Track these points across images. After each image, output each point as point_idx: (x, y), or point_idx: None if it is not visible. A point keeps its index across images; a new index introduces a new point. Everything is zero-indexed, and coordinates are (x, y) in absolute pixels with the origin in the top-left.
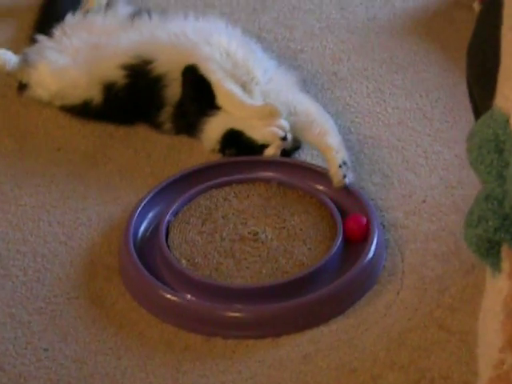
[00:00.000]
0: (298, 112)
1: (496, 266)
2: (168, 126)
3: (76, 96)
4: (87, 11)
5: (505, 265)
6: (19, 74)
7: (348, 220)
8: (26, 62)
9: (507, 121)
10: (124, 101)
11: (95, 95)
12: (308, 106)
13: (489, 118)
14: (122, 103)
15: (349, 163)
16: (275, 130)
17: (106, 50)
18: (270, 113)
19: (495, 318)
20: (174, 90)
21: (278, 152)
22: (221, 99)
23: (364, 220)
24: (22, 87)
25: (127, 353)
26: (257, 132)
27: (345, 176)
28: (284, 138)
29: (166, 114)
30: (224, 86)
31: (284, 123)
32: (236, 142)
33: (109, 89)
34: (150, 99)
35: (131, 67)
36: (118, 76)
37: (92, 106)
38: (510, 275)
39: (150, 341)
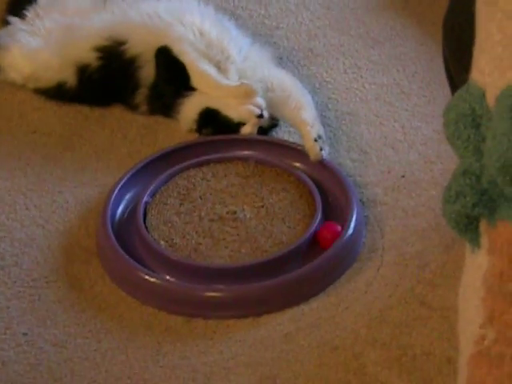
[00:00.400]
0: (275, 88)
1: (475, 241)
2: (144, 107)
3: (49, 78)
4: None
5: (483, 240)
6: None
7: (322, 229)
8: None
9: (483, 95)
10: (98, 83)
11: (69, 77)
12: (284, 81)
13: (465, 92)
14: (96, 85)
15: (324, 137)
16: (251, 107)
17: (79, 32)
18: (245, 92)
19: (475, 294)
20: (148, 72)
21: (255, 130)
22: (195, 80)
23: (338, 228)
24: None
25: (107, 335)
26: (233, 110)
27: (321, 149)
28: (260, 116)
29: (141, 96)
30: (198, 67)
31: (260, 101)
32: (212, 121)
33: (82, 71)
34: (124, 81)
35: (104, 49)
36: (91, 58)
37: (66, 88)
38: (489, 251)
39: (129, 323)
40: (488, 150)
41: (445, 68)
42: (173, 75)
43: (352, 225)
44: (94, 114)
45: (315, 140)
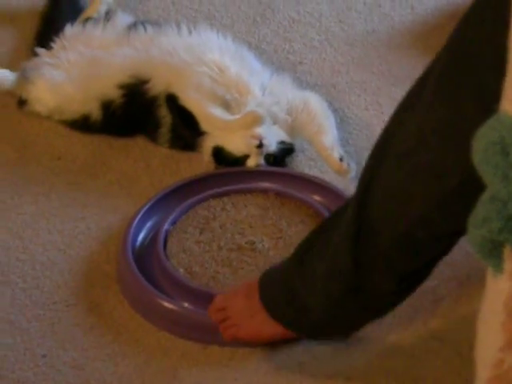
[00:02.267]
0: (300, 111)
1: (498, 266)
2: (166, 144)
3: (74, 111)
4: (86, 20)
5: (507, 266)
6: (18, 90)
7: None
8: (24, 78)
9: None
10: (122, 118)
11: (93, 111)
12: (308, 104)
13: (495, 121)
14: (120, 120)
15: (345, 156)
16: (248, 139)
17: (102, 67)
18: (253, 119)
19: (495, 319)
20: (167, 111)
21: (259, 160)
22: (204, 125)
23: None
24: (22, 103)
25: (124, 359)
26: (233, 145)
27: (348, 164)
28: (260, 146)
29: (162, 134)
30: (203, 112)
31: (258, 131)
32: (222, 158)
33: (106, 106)
34: (147, 118)
35: (128, 86)
36: (115, 95)
37: (91, 121)
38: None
39: (147, 348)
40: None
41: None
42: (186, 120)
43: None
44: (118, 142)
45: (340, 159)
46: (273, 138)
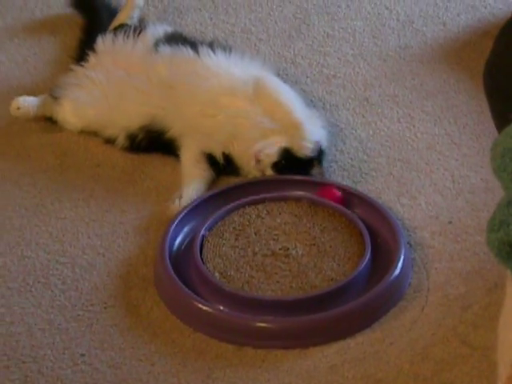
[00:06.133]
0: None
1: None
2: None
3: (100, 132)
4: (118, 28)
5: None
6: (48, 112)
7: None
8: (53, 99)
9: None
10: (148, 148)
11: (118, 137)
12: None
13: None
14: (146, 149)
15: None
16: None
17: (124, 99)
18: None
19: None
20: None
21: (269, 171)
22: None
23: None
24: (54, 122)
25: (160, 360)
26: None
27: None
28: (257, 162)
29: None
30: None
31: (256, 147)
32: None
33: (131, 138)
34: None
35: (148, 128)
36: (137, 131)
37: (118, 143)
38: None
39: (182, 349)
40: None
41: (490, 107)
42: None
43: (399, 265)
44: (155, 152)
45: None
46: (271, 148)
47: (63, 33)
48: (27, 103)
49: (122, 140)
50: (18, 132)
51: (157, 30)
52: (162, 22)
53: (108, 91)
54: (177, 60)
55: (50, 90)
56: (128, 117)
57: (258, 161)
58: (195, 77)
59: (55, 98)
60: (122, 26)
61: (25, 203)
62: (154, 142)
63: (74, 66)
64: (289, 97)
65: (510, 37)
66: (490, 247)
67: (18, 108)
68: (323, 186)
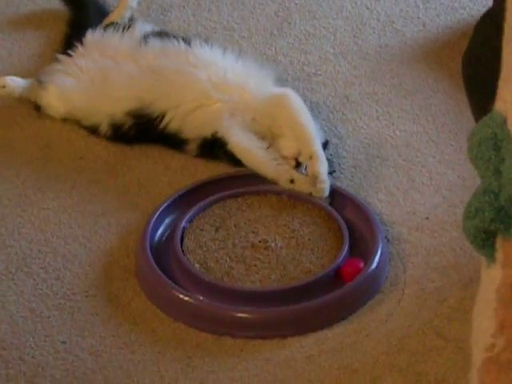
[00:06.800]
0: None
1: (491, 256)
2: (193, 155)
3: (83, 119)
4: (109, 25)
5: (499, 255)
6: (33, 96)
7: (346, 264)
8: (38, 84)
9: (505, 121)
10: (133, 138)
11: (102, 126)
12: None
13: (488, 119)
14: (134, 139)
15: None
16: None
17: (110, 85)
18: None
19: (489, 306)
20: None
21: (288, 184)
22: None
23: (361, 265)
24: (37, 108)
25: (140, 348)
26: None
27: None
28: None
29: (190, 151)
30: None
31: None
32: None
33: (115, 128)
34: (164, 140)
35: (135, 112)
36: (123, 120)
37: (101, 131)
38: (503, 264)
39: (162, 338)
40: (506, 170)
41: (467, 97)
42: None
43: (376, 259)
44: (139, 144)
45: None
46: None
47: (48, 27)
48: (14, 83)
49: (105, 128)
50: (2, 124)
51: (145, 27)
52: (149, 22)
53: (94, 77)
54: (167, 50)
55: (37, 76)
56: (114, 101)
57: (299, 163)
58: (187, 66)
59: (41, 83)
60: (112, 24)
61: (7, 194)
62: (145, 131)
63: (60, 56)
64: (310, 121)
65: (488, 27)
66: (466, 234)
67: (4, 86)
68: (348, 259)
